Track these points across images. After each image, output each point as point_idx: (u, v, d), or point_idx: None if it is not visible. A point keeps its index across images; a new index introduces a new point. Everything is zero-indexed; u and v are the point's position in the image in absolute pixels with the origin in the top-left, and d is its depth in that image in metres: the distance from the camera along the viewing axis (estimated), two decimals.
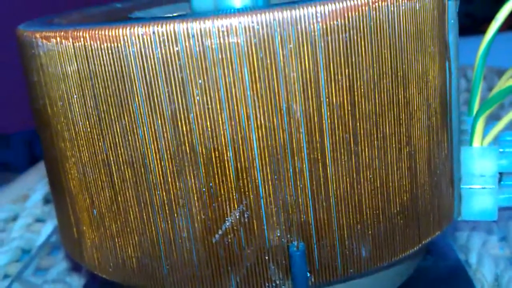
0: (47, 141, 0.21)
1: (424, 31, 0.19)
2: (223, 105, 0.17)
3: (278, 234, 0.18)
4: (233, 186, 0.18)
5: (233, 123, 0.17)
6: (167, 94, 0.17)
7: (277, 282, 0.19)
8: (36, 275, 0.29)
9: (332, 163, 0.18)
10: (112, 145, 0.18)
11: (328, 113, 0.18)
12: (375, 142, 0.19)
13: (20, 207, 0.36)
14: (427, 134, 0.20)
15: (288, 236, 0.18)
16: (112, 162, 0.19)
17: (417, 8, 0.19)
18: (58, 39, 0.18)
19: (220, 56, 0.17)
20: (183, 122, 0.17)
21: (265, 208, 0.18)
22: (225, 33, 0.17)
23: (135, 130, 0.18)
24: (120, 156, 0.18)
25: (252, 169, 0.18)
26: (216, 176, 0.18)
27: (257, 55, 0.17)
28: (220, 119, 0.17)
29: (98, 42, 0.17)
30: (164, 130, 0.18)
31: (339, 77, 0.17)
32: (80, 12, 0.25)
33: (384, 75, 0.18)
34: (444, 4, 0.20)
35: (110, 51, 0.17)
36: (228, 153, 0.18)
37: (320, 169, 0.18)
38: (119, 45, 0.17)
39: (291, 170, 0.18)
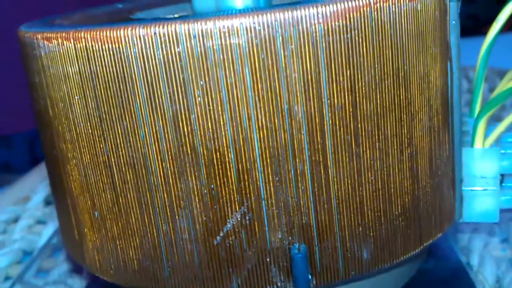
0: (48, 143, 0.21)
1: (426, 32, 0.19)
2: (224, 106, 0.17)
3: (280, 236, 0.18)
4: (234, 187, 0.18)
5: (234, 124, 0.17)
6: (168, 95, 0.17)
7: (279, 284, 0.19)
8: (37, 277, 0.29)
9: (334, 165, 0.18)
10: (113, 146, 0.18)
11: (330, 114, 0.18)
12: (377, 143, 0.18)
13: (21, 209, 0.36)
14: (428, 135, 0.20)
15: (290, 238, 0.18)
16: (113, 163, 0.19)
17: (419, 9, 0.19)
18: (60, 40, 0.18)
19: (221, 57, 0.17)
20: (184, 123, 0.17)
21: (266, 210, 0.18)
22: (227, 34, 0.17)
23: (136, 131, 0.18)
24: (121, 157, 0.18)
25: (253, 171, 0.18)
26: (218, 178, 0.18)
27: (258, 56, 0.17)
28: (221, 120, 0.17)
29: (100, 43, 0.17)
30: (166, 131, 0.18)
31: (341, 78, 0.17)
32: (81, 13, 0.25)
33: (386, 76, 0.18)
34: (446, 5, 0.20)
35: (111, 52, 0.17)
36: (230, 154, 0.18)
37: (322, 170, 0.18)
38: (120, 46, 0.17)
39: (292, 171, 0.18)
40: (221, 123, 0.17)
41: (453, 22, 0.20)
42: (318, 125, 0.18)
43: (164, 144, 0.18)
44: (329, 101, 0.18)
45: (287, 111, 0.17)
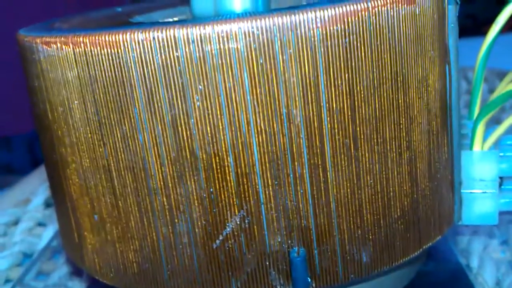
0: (48, 146, 0.21)
1: (424, 36, 0.19)
2: (223, 110, 0.17)
3: (279, 240, 0.18)
4: (233, 191, 0.18)
5: (233, 128, 0.17)
6: (167, 100, 0.17)
7: (278, 287, 0.19)
8: (37, 280, 0.29)
9: (333, 168, 0.18)
10: (112, 150, 0.18)
11: (328, 118, 0.18)
12: (376, 146, 0.19)
13: (21, 211, 0.36)
14: (427, 138, 0.20)
15: (289, 241, 0.18)
16: (112, 167, 0.19)
17: (417, 13, 0.19)
18: (59, 44, 0.18)
19: (220, 62, 0.17)
20: (183, 127, 0.17)
21: (265, 213, 0.18)
22: (225, 39, 0.17)
23: (135, 136, 0.18)
24: (120, 161, 0.19)
25: (252, 175, 0.18)
26: (217, 182, 0.18)
27: (257, 60, 0.17)
28: (220, 124, 0.17)
29: (98, 48, 0.17)
30: (165, 135, 0.18)
31: (339, 82, 0.17)
32: (81, 16, 0.25)
33: (384, 80, 0.18)
34: (444, 8, 0.20)
35: (110, 57, 0.17)
36: (229, 158, 0.18)
37: (321, 174, 0.18)
38: (119, 50, 0.17)
39: (291, 175, 0.18)
40: (220, 127, 0.17)
41: (452, 25, 0.20)
42: (317, 129, 0.18)
43: (163, 148, 0.18)
44: (327, 105, 0.18)
45: (285, 115, 0.17)
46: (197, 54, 0.17)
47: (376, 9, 0.17)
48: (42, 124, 0.21)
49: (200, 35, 0.17)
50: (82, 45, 0.18)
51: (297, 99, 0.17)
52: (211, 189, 0.18)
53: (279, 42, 0.17)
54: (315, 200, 0.18)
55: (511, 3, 0.21)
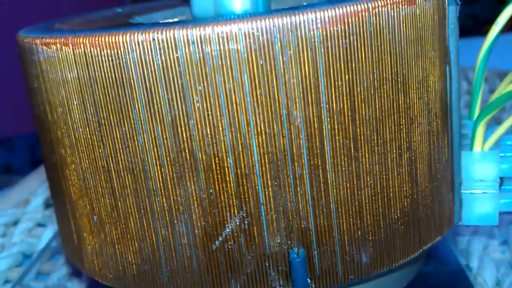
0: (47, 147, 0.21)
1: (424, 36, 0.19)
2: (223, 112, 0.17)
3: (278, 241, 0.18)
4: (233, 192, 0.18)
5: (233, 129, 0.17)
6: (167, 101, 0.17)
7: None
8: (37, 280, 0.29)
9: (332, 169, 0.18)
10: (112, 151, 0.18)
11: (328, 119, 0.18)
12: (376, 147, 0.18)
13: (21, 212, 0.36)
14: (427, 139, 0.20)
15: (289, 242, 0.18)
16: (112, 168, 0.19)
17: (417, 13, 0.19)
18: (58, 45, 0.18)
19: (220, 63, 0.17)
20: (183, 128, 0.17)
21: (265, 214, 0.18)
22: (225, 40, 0.17)
23: (135, 137, 0.18)
24: (120, 162, 0.18)
25: (252, 176, 0.18)
26: (216, 183, 0.18)
27: (257, 61, 0.17)
28: (220, 125, 0.17)
29: (98, 49, 0.17)
30: (164, 136, 0.18)
31: (339, 83, 0.17)
32: (80, 17, 0.25)
33: (384, 81, 0.18)
34: (445, 9, 0.20)
35: (110, 58, 0.17)
36: (228, 159, 0.18)
37: (320, 175, 0.18)
38: (119, 51, 0.17)
39: (291, 176, 0.18)
40: (220, 128, 0.17)
41: (452, 25, 0.20)
42: (317, 130, 0.18)
43: (163, 149, 0.18)
44: (327, 106, 0.18)
45: (285, 116, 0.17)
46: (197, 55, 0.17)
47: (377, 9, 0.17)
48: (41, 125, 0.21)
49: (200, 36, 0.17)
50: (82, 46, 0.18)
51: (297, 100, 0.17)
52: (211, 190, 0.18)
53: (279, 43, 0.17)
54: (315, 201, 0.18)
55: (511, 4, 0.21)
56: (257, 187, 0.18)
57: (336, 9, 0.17)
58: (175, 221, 0.18)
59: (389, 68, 0.18)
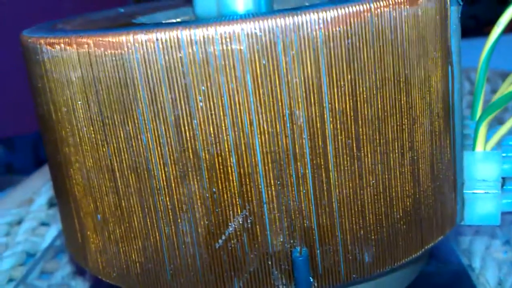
0: (52, 147, 0.21)
1: (426, 37, 0.19)
2: (226, 111, 0.17)
3: (281, 240, 0.18)
4: (236, 191, 0.18)
5: (236, 129, 0.17)
6: (170, 100, 0.17)
7: (280, 287, 0.19)
8: (40, 279, 0.30)
9: (335, 169, 0.18)
10: (116, 150, 0.19)
11: (331, 119, 0.18)
12: (378, 147, 0.19)
13: (24, 211, 0.37)
14: (430, 139, 0.20)
15: (291, 241, 0.19)
16: (116, 167, 0.19)
17: (419, 14, 0.19)
18: (62, 45, 0.18)
19: (223, 63, 0.17)
20: (186, 128, 0.18)
21: (268, 213, 0.18)
22: (228, 40, 0.17)
23: (138, 136, 0.18)
24: (124, 161, 0.19)
25: (255, 175, 0.18)
26: (219, 182, 0.18)
27: (259, 61, 0.17)
28: (223, 125, 0.17)
29: (102, 49, 0.18)
30: (168, 136, 0.18)
31: (342, 83, 0.18)
32: (83, 17, 0.26)
33: (387, 81, 0.18)
34: (446, 9, 0.20)
35: (113, 58, 0.17)
36: (231, 159, 0.18)
37: (323, 174, 0.18)
38: (122, 51, 0.17)
39: (294, 175, 0.18)
40: (223, 128, 0.17)
41: (454, 26, 0.20)
42: (319, 130, 0.18)
43: (167, 149, 0.18)
44: (330, 105, 0.18)
45: (288, 116, 0.17)
46: (200, 55, 0.17)
47: (379, 10, 0.18)
48: (46, 124, 0.21)
49: (203, 36, 0.17)
50: (85, 46, 0.18)
51: (299, 100, 0.17)
52: (214, 189, 0.18)
53: (281, 43, 0.17)
54: (318, 200, 0.18)
55: None
56: (260, 186, 0.18)
57: (339, 10, 0.17)
58: (179, 220, 0.19)
59: (391, 68, 0.18)
